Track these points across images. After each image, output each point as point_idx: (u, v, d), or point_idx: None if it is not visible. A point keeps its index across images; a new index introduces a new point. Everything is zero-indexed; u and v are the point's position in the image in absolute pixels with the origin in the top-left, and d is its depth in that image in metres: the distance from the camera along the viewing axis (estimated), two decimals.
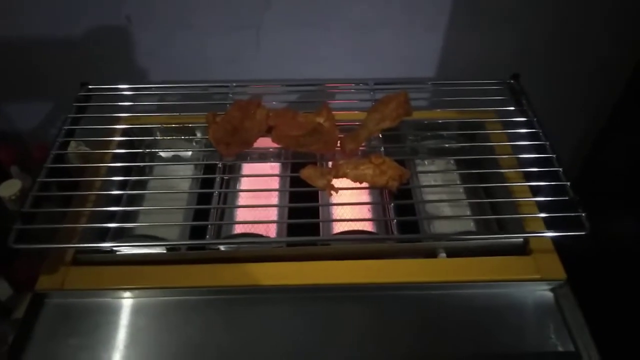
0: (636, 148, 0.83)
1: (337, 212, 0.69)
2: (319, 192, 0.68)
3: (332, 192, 0.63)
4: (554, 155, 0.66)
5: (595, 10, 0.83)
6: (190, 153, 0.80)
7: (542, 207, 0.66)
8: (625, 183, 0.84)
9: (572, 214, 0.61)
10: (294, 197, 0.68)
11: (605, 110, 0.93)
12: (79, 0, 0.80)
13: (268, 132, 0.68)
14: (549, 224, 0.64)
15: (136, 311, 0.61)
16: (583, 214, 0.60)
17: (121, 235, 0.68)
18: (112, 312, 0.61)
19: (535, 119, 0.71)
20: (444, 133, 0.79)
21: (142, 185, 0.74)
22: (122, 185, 0.73)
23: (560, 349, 0.57)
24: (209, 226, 0.63)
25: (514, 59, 0.88)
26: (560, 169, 0.65)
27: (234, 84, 0.78)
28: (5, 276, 0.78)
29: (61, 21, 0.83)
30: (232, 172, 0.75)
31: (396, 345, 0.58)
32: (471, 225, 0.69)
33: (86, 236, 0.65)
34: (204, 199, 0.68)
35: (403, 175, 0.62)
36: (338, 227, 0.67)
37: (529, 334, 0.59)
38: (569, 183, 0.63)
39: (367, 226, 0.67)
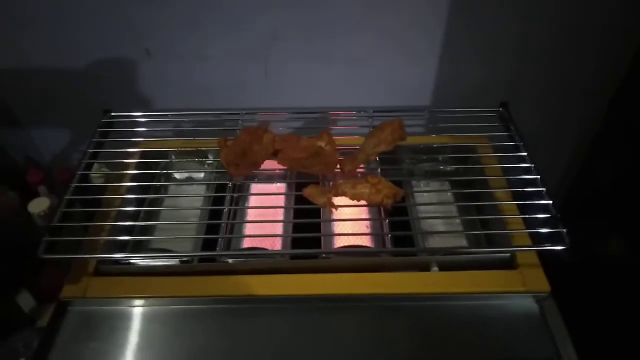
0: (618, 170, 0.88)
1: (338, 228, 0.73)
2: (321, 209, 0.73)
3: (333, 209, 0.69)
4: (539, 177, 0.71)
5: (580, 44, 0.88)
6: (202, 175, 0.86)
7: (528, 224, 0.70)
8: (610, 202, 0.88)
9: (555, 230, 0.65)
10: (298, 214, 0.73)
11: (590, 133, 0.99)
12: (100, 34, 0.87)
13: (274, 155, 0.74)
14: (536, 240, 0.68)
15: (151, 318, 0.66)
16: (564, 230, 0.64)
17: (139, 249, 0.74)
18: (130, 319, 0.65)
19: (522, 144, 0.76)
20: (439, 157, 0.85)
21: (158, 203, 0.80)
22: (140, 203, 0.78)
23: (544, 357, 0.61)
24: (220, 240, 0.68)
25: (505, 87, 0.94)
26: (544, 189, 0.69)
27: (244, 112, 0.84)
28: (30, 289, 0.84)
29: (83, 54, 0.90)
30: (242, 192, 0.81)
31: (392, 353, 0.62)
32: (463, 242, 0.74)
33: (107, 249, 0.70)
34: (216, 216, 0.73)
35: (397, 194, 0.67)
36: (339, 243, 0.71)
37: (516, 343, 0.62)
38: (551, 202, 0.68)
39: (366, 242, 0.71)
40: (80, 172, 0.74)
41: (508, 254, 0.69)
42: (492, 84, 0.93)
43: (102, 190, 0.79)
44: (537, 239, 0.67)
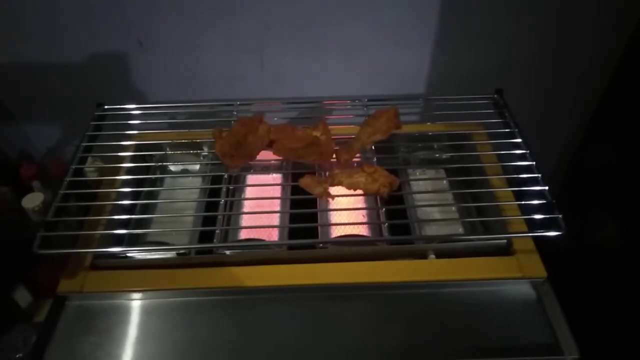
0: (612, 155, 0.88)
1: (335, 218, 0.73)
2: (318, 199, 0.73)
3: (329, 198, 0.69)
4: (534, 163, 0.71)
5: (573, 30, 0.88)
6: (198, 166, 0.86)
7: (524, 210, 0.71)
8: (605, 187, 0.89)
9: (550, 216, 0.65)
10: (294, 204, 0.73)
11: (585, 119, 0.99)
12: (93, 27, 0.86)
13: (269, 145, 0.74)
14: (532, 226, 0.68)
15: (148, 311, 0.66)
16: (560, 216, 0.64)
17: (135, 242, 0.73)
18: (127, 312, 0.65)
19: (516, 130, 0.76)
20: (434, 144, 0.85)
21: (154, 195, 0.80)
22: (135, 196, 0.77)
23: (541, 341, 0.62)
24: (216, 232, 0.68)
25: (500, 73, 0.93)
26: (539, 175, 0.70)
27: (239, 103, 0.84)
28: (26, 284, 0.84)
29: (75, 47, 0.89)
30: (237, 183, 0.80)
31: (390, 340, 0.63)
32: (459, 229, 0.74)
33: (103, 243, 0.70)
34: (212, 208, 0.73)
35: (393, 182, 0.67)
36: (336, 232, 0.72)
37: (513, 329, 0.63)
38: (547, 188, 0.68)
39: (363, 230, 0.71)
40: (74, 166, 0.74)
41: (504, 240, 0.69)
42: (487, 71, 0.93)
43: (97, 183, 0.78)
44: (533, 225, 0.67)
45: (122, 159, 0.80)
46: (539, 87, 0.97)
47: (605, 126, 0.91)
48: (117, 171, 0.78)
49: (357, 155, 0.75)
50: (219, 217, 0.70)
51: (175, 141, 0.83)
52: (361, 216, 0.73)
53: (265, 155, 0.75)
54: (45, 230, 0.65)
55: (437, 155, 0.84)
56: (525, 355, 0.61)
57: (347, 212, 0.73)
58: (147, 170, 0.82)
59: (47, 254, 0.64)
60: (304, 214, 0.70)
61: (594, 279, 0.87)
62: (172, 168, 0.86)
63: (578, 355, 0.60)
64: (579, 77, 0.95)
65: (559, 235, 0.63)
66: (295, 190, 0.72)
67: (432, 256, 0.68)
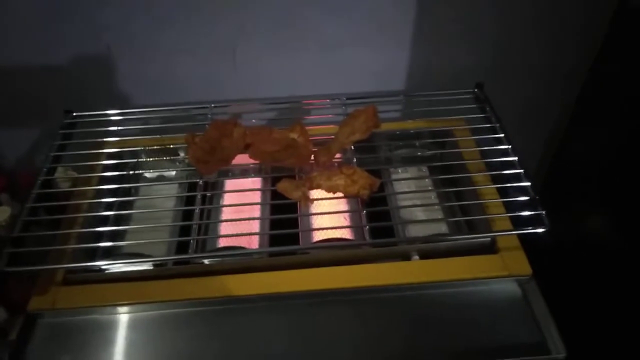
0: (597, 148, 0.87)
1: (317, 222, 0.71)
2: (298, 203, 0.71)
3: (310, 202, 0.67)
4: (516, 158, 0.70)
5: (557, 28, 0.88)
6: (174, 172, 0.83)
7: (508, 207, 0.69)
8: (589, 182, 0.88)
9: (534, 213, 0.64)
10: (275, 209, 0.71)
11: (568, 114, 0.98)
12: (63, 32, 0.83)
13: (245, 149, 0.72)
14: (516, 223, 0.67)
15: (126, 326, 0.63)
16: (543, 212, 0.63)
17: (110, 255, 0.71)
18: (103, 328, 0.63)
19: (498, 125, 0.75)
20: (416, 142, 0.83)
21: (128, 205, 0.77)
22: (109, 206, 0.75)
23: (528, 340, 0.60)
24: (191, 241, 0.66)
25: (483, 69, 0.92)
26: (522, 171, 0.68)
27: (213, 105, 0.81)
28: (1, 300, 0.81)
29: (43, 51, 0.85)
30: (215, 189, 0.78)
31: (376, 345, 0.61)
32: (443, 229, 0.73)
33: (76, 257, 0.67)
34: (190, 215, 0.71)
35: (373, 184, 0.66)
36: (317, 236, 0.70)
37: (500, 328, 0.62)
38: (530, 183, 0.67)
39: (345, 234, 0.70)
40: (42, 178, 0.71)
41: (488, 239, 0.68)
42: (470, 67, 0.91)
43: (68, 195, 0.75)
44: (517, 222, 0.66)
45: (94, 168, 0.77)
46: (523, 82, 0.96)
47: (589, 121, 0.90)
48: (89, 181, 0.75)
49: (338, 156, 0.73)
50: (195, 226, 0.67)
51: (149, 147, 0.80)
52: (343, 219, 0.71)
53: (243, 158, 0.73)
54: (12, 247, 0.62)
55: (420, 153, 0.82)
56: (513, 355, 0.60)
57: (328, 215, 0.71)
58: (120, 178, 0.79)
59: (15, 272, 0.61)
60: (284, 219, 0.68)
61: (581, 275, 0.87)
62: (148, 175, 0.83)
63: (565, 354, 0.59)
64: (563, 72, 0.94)
65: (543, 231, 0.62)
66: (276, 194, 0.70)
67: (416, 257, 0.67)
